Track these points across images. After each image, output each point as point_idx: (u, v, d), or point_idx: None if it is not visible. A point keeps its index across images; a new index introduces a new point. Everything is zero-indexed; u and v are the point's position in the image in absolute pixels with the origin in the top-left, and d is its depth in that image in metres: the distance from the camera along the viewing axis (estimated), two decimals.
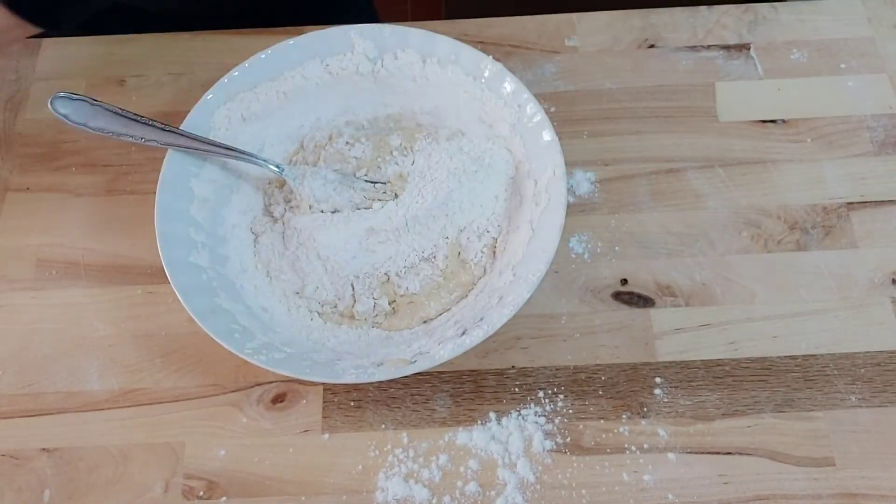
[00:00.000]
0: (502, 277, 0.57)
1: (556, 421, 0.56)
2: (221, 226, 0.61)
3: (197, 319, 0.53)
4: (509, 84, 0.61)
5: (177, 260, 0.56)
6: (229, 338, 0.53)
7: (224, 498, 0.54)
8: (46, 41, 0.73)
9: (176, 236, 0.57)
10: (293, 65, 0.64)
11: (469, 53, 0.62)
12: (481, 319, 0.54)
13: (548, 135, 0.59)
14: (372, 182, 0.62)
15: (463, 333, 0.54)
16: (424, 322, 0.59)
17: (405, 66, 0.64)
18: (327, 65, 0.64)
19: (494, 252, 0.61)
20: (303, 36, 0.64)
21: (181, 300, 0.53)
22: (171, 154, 0.59)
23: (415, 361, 0.53)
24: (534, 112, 0.60)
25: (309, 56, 0.64)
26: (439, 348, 0.53)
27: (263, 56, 0.63)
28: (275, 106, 0.64)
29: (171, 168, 0.59)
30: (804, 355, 0.58)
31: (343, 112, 0.66)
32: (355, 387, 0.58)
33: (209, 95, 0.62)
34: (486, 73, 0.62)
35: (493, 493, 0.54)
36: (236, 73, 0.62)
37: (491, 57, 0.62)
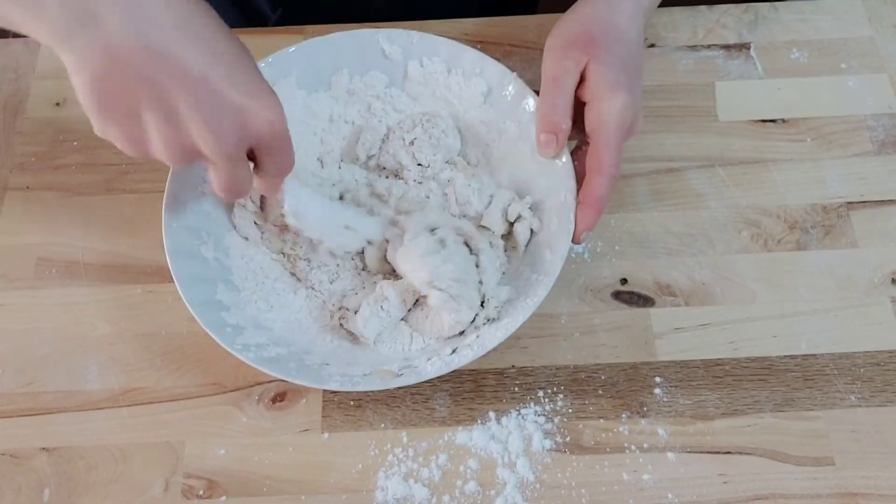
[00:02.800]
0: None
1: (556, 420, 0.56)
2: (228, 218, 0.61)
3: (191, 309, 0.53)
4: (532, 102, 0.61)
5: (180, 249, 0.56)
6: (221, 332, 0.53)
7: (224, 497, 0.54)
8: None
9: (182, 226, 0.57)
10: (329, 67, 0.64)
11: (494, 68, 0.62)
12: (477, 337, 0.55)
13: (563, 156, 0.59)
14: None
15: (453, 352, 0.54)
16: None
17: (430, 76, 0.64)
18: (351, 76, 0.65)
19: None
20: (332, 35, 0.63)
21: (178, 288, 0.53)
22: None
23: (401, 374, 0.53)
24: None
25: (338, 58, 0.64)
26: (427, 364, 0.54)
27: (292, 49, 0.63)
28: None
29: None
30: (804, 355, 0.58)
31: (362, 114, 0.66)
32: None
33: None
34: (510, 90, 0.62)
35: (492, 492, 0.54)
36: (268, 62, 0.62)
37: (515, 74, 0.62)
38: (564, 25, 0.59)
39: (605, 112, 0.55)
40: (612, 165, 0.54)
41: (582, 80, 0.56)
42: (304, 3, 0.81)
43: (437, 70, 0.64)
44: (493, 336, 0.53)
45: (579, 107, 0.57)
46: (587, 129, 0.56)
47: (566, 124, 0.56)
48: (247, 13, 0.85)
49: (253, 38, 0.72)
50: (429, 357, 0.55)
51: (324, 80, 0.65)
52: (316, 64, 0.64)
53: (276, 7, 0.83)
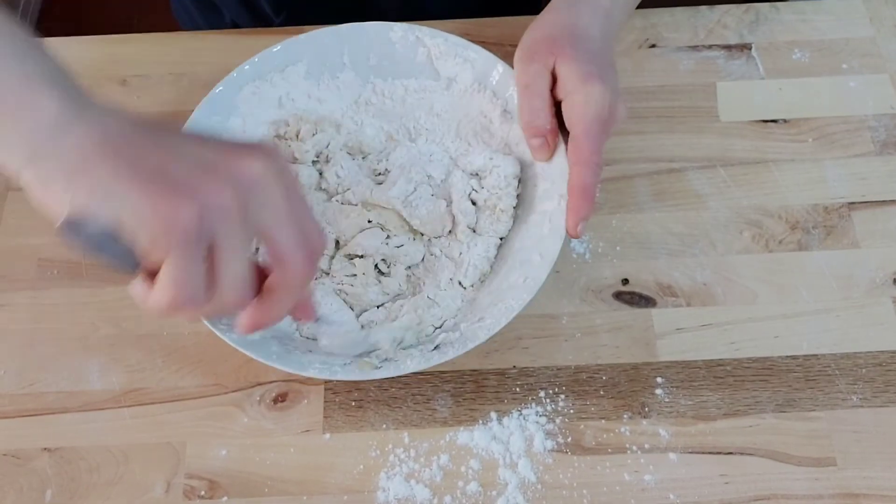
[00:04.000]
0: (487, 297, 0.57)
1: (558, 421, 0.56)
2: None
3: None
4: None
5: None
6: None
7: (225, 497, 0.54)
8: (47, 41, 0.73)
9: None
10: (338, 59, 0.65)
11: (501, 68, 0.63)
12: (460, 335, 0.55)
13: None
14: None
15: (435, 348, 0.54)
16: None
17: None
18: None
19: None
20: (343, 26, 0.64)
21: None
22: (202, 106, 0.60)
23: (380, 367, 0.53)
24: None
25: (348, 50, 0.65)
26: (406, 358, 0.54)
27: (301, 37, 0.64)
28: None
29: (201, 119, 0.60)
30: (805, 355, 0.58)
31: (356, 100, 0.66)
32: (356, 386, 0.58)
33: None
34: (510, 92, 0.62)
35: (494, 492, 0.54)
36: (275, 49, 0.63)
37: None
38: (528, 34, 0.60)
39: (579, 103, 0.55)
40: (593, 153, 0.55)
41: (554, 80, 0.57)
42: (306, 7, 0.81)
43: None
44: (475, 335, 0.53)
45: (558, 106, 0.57)
46: (566, 124, 0.57)
47: (551, 124, 0.57)
48: (254, 15, 0.85)
49: (259, 39, 0.72)
50: (410, 352, 0.55)
51: (332, 72, 0.65)
52: (324, 55, 0.64)
53: (279, 11, 0.83)
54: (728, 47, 0.72)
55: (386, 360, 0.54)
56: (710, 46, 0.72)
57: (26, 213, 0.65)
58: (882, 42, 0.71)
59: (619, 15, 0.62)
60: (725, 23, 0.73)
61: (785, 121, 0.68)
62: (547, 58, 0.57)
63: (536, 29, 0.60)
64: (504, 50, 0.70)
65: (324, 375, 0.52)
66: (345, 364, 0.54)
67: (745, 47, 0.72)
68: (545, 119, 0.57)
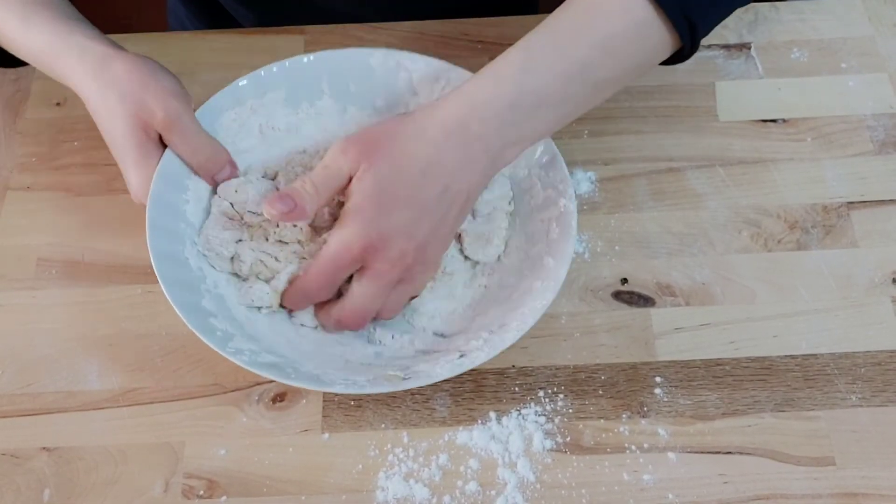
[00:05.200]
0: (501, 306, 0.58)
1: (556, 420, 0.56)
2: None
3: (180, 314, 0.53)
4: None
5: (165, 253, 0.56)
6: (212, 335, 0.53)
7: (224, 497, 0.54)
8: None
9: (167, 230, 0.57)
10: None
11: None
12: (484, 342, 0.55)
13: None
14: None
15: (461, 356, 0.54)
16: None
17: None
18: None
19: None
20: (324, 53, 0.63)
21: (167, 295, 0.53)
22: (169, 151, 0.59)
23: (408, 378, 0.53)
24: None
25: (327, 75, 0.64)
26: (435, 367, 0.54)
27: (276, 69, 0.63)
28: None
29: (170, 162, 0.59)
30: (804, 355, 0.58)
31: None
32: None
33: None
34: None
35: (493, 492, 0.54)
36: (243, 83, 0.62)
37: None
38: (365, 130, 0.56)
39: (331, 234, 0.54)
40: (310, 280, 0.55)
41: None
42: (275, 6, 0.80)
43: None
44: (502, 338, 0.54)
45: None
46: None
47: (310, 208, 0.53)
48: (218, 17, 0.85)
49: (259, 38, 0.72)
50: (427, 360, 0.55)
51: (311, 99, 0.64)
52: (303, 82, 0.64)
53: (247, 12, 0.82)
54: (727, 47, 0.72)
55: (407, 368, 0.54)
56: (709, 46, 0.72)
57: (25, 213, 0.65)
58: (881, 41, 0.71)
59: (494, 139, 0.53)
60: (724, 22, 0.73)
61: (784, 120, 0.68)
62: (358, 158, 0.53)
63: (378, 125, 0.55)
64: (504, 50, 0.70)
65: (351, 391, 0.52)
66: (370, 379, 0.54)
67: (744, 47, 0.72)
68: (312, 202, 0.53)
